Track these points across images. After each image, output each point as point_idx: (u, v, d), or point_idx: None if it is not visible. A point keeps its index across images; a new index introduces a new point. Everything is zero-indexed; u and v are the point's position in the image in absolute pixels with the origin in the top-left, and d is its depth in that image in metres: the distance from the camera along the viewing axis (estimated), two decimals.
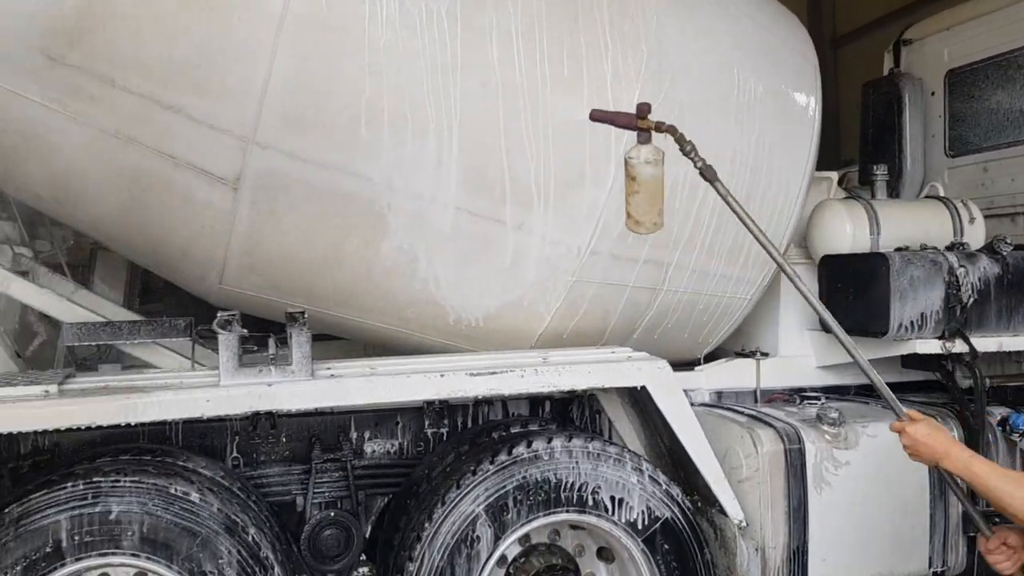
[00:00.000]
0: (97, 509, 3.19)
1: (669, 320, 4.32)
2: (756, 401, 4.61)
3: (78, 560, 3.17)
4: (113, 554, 3.22)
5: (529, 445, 3.67)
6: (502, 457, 3.65)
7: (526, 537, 3.79)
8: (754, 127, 4.26)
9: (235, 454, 3.98)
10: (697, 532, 3.85)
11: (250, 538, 3.33)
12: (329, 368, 3.67)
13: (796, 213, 4.48)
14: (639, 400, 4.09)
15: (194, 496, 3.29)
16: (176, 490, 3.28)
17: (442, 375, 3.61)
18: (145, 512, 3.23)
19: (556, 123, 3.82)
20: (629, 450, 3.89)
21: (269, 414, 3.88)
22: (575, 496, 3.69)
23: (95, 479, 3.24)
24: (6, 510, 3.15)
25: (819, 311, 3.12)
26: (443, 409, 4.17)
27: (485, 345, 4.06)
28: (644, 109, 3.08)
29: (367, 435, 4.12)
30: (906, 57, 6.09)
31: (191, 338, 4.09)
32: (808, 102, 4.56)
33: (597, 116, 3.20)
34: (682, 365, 4.44)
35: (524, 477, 3.65)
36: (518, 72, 3.76)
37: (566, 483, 3.68)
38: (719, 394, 4.63)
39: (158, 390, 3.36)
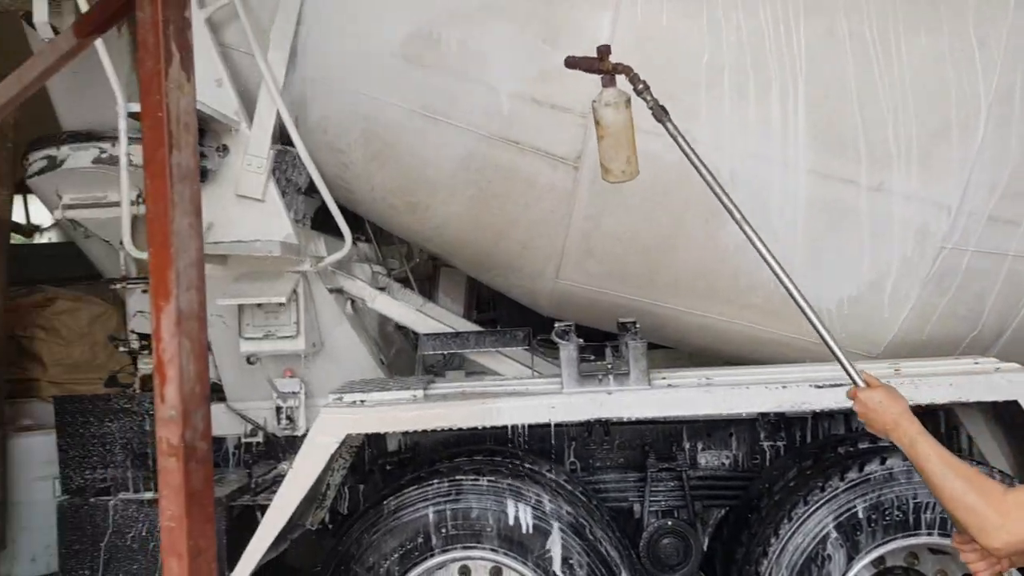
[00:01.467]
0: (460, 505, 3.45)
1: None
2: None
3: (444, 552, 3.45)
4: (474, 548, 3.46)
5: (883, 462, 3.44)
6: (852, 475, 3.45)
7: (880, 559, 3.54)
8: None
9: (572, 459, 4.13)
10: None
11: (597, 541, 3.42)
12: (664, 377, 3.69)
13: None
14: (1006, 416, 3.68)
15: (545, 497, 3.45)
16: (528, 491, 3.46)
17: (784, 386, 3.48)
18: (502, 510, 3.43)
19: (914, 69, 3.56)
20: (1000, 471, 3.51)
21: (603, 421, 3.99)
22: (937, 519, 3.39)
23: (457, 477, 3.51)
24: (384, 502, 3.50)
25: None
26: (779, 421, 4.03)
27: (840, 337, 3.81)
28: (603, 51, 2.96)
29: (700, 446, 4.09)
30: None
31: (529, 348, 4.29)
32: None
33: (570, 63, 3.05)
34: None
35: (878, 496, 3.42)
36: (867, 17, 3.58)
37: (926, 504, 3.39)
38: None
39: (509, 396, 3.57)
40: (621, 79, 2.92)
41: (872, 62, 3.58)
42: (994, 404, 3.61)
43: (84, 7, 3.79)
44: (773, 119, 3.63)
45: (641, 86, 2.88)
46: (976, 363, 3.64)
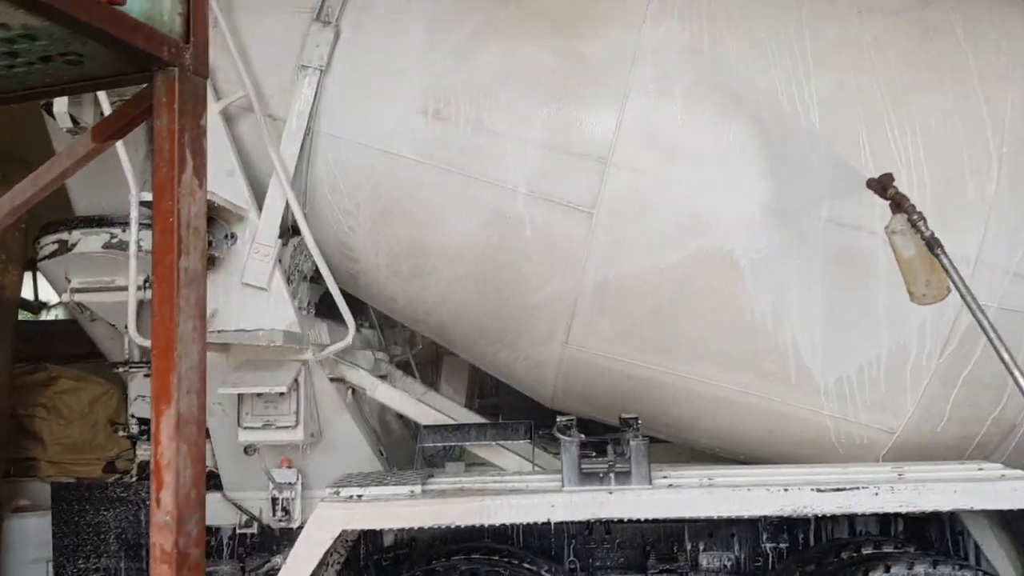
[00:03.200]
0: None
1: None
2: None
3: None
4: None
5: (887, 570, 3.38)
6: None
7: None
8: None
9: (572, 558, 4.06)
10: None
11: None
12: (666, 476, 3.64)
13: None
14: (1013, 523, 3.62)
15: None
16: None
17: (786, 489, 3.44)
18: None
19: (922, 122, 3.69)
20: None
21: (604, 520, 3.92)
22: None
23: None
24: None
25: None
26: (782, 523, 3.97)
27: (857, 411, 3.75)
28: (886, 179, 3.20)
29: (701, 546, 4.03)
30: None
31: (531, 441, 4.25)
32: None
33: (870, 184, 3.33)
34: None
35: None
36: (873, 77, 3.75)
37: None
38: None
39: (507, 494, 3.52)
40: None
41: (882, 116, 3.70)
42: (1001, 511, 3.56)
43: (104, 101, 3.90)
44: (792, 167, 3.68)
45: (916, 216, 3.05)
46: (981, 469, 3.60)
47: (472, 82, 3.88)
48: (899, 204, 3.14)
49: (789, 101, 3.72)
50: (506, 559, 3.75)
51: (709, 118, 3.75)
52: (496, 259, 3.96)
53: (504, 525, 3.96)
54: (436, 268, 4.08)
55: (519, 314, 4.07)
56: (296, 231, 4.11)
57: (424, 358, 5.72)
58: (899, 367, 3.74)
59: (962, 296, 2.82)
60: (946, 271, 2.86)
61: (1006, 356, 2.74)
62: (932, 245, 2.92)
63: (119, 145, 3.83)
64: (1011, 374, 2.72)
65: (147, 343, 3.93)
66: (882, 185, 3.19)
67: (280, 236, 4.04)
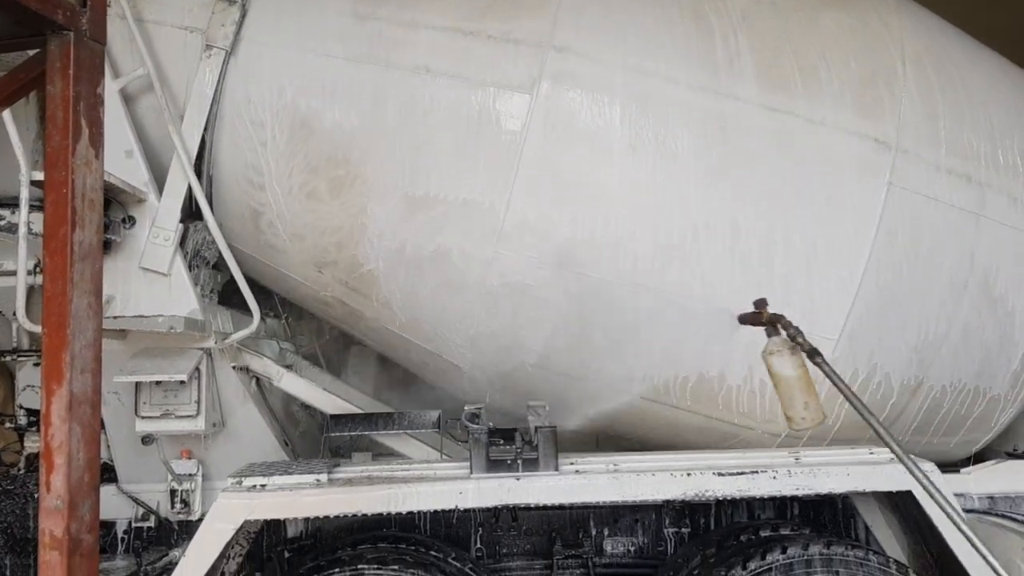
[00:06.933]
0: None
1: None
2: None
3: None
4: None
5: (784, 551, 3.49)
6: (754, 564, 3.50)
7: None
8: None
9: (479, 545, 4.06)
10: None
11: None
12: (573, 462, 3.68)
13: None
14: (901, 505, 3.80)
15: None
16: None
17: (688, 474, 3.52)
18: None
19: (832, 32, 3.97)
20: (895, 561, 3.60)
21: (511, 507, 3.94)
22: None
23: (359, 566, 3.42)
24: None
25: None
26: (683, 508, 4.07)
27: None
28: (760, 304, 3.31)
29: (606, 532, 4.09)
30: None
31: (439, 431, 4.23)
32: None
33: (742, 319, 3.48)
34: (945, 467, 4.08)
35: None
36: None
37: None
38: (990, 499, 4.20)
39: (416, 481, 3.50)
40: None
41: (802, 22, 3.96)
42: (889, 494, 3.73)
43: None
44: (719, 59, 3.81)
45: (793, 331, 3.12)
46: (871, 453, 3.76)
47: None
48: (775, 324, 3.19)
49: (714, 6, 3.90)
50: (413, 547, 3.72)
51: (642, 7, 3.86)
52: (427, 156, 3.78)
53: (411, 514, 3.94)
54: (359, 177, 3.85)
55: (446, 220, 3.80)
56: (199, 215, 3.98)
57: (331, 349, 5.63)
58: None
59: (846, 396, 2.99)
60: (829, 377, 3.01)
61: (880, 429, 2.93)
62: (812, 354, 3.04)
63: (7, 119, 3.64)
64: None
65: (37, 329, 3.75)
66: (757, 312, 3.30)
67: (182, 220, 3.91)
